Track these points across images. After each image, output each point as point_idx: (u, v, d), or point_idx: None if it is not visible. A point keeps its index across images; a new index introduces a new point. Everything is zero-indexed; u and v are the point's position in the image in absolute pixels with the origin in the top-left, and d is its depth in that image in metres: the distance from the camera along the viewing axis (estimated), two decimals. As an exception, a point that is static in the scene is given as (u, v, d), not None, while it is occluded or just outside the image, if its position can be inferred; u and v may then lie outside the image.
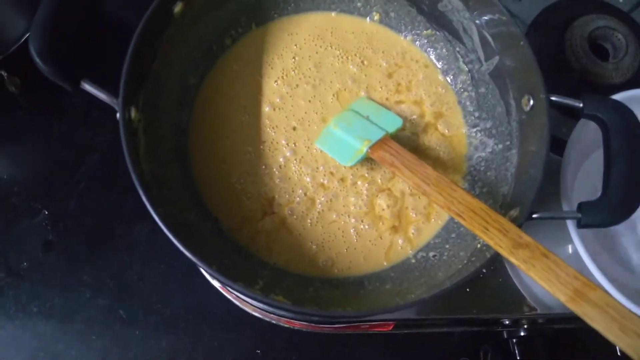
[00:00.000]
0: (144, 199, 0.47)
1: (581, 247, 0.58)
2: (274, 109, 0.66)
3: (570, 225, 0.59)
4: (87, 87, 0.50)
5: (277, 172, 0.64)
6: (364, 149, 0.60)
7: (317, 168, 0.64)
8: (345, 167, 0.64)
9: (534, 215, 0.52)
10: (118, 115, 0.50)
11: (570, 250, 0.62)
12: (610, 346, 0.72)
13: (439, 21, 0.68)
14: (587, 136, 0.62)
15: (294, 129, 0.65)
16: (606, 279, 0.58)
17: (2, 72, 0.77)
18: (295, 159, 0.64)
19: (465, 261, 0.56)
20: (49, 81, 0.78)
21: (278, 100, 0.66)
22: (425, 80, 0.69)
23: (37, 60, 0.48)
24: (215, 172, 0.63)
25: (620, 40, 0.79)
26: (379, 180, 0.64)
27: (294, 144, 0.65)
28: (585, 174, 0.72)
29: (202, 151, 0.64)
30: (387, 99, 0.68)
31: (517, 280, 0.70)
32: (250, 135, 0.65)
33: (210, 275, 0.47)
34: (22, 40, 0.75)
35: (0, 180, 0.78)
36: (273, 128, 0.65)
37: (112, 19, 0.86)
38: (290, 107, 0.66)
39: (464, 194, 0.53)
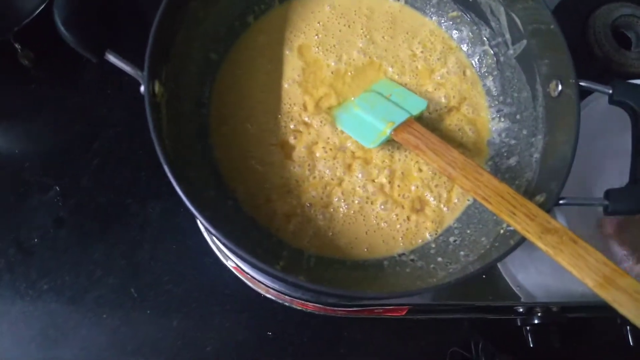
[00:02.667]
0: (168, 172, 0.46)
1: None
2: (295, 87, 0.65)
3: (560, 217, 0.60)
4: (112, 58, 0.49)
5: (297, 153, 0.63)
6: (387, 130, 0.59)
7: (339, 149, 0.63)
8: (367, 149, 0.63)
9: (561, 202, 0.52)
10: (142, 88, 0.49)
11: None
12: (623, 336, 0.74)
13: (466, 3, 0.67)
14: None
15: (316, 107, 0.64)
16: None
17: (16, 45, 0.76)
18: (317, 140, 0.63)
19: (488, 246, 0.56)
20: (62, 55, 0.79)
21: (299, 77, 0.65)
22: (450, 63, 0.68)
23: (62, 29, 0.47)
24: (235, 151, 0.62)
25: (643, 29, 0.78)
26: (400, 164, 0.63)
27: (316, 123, 0.64)
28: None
29: (222, 129, 0.62)
30: (410, 80, 0.67)
31: (503, 269, 0.70)
32: (270, 114, 0.64)
33: (233, 252, 0.47)
34: (36, 13, 0.74)
35: (11, 155, 0.78)
36: (294, 106, 0.64)
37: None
38: (312, 86, 0.65)
39: (491, 178, 0.52)
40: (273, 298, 0.72)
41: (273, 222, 0.60)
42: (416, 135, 0.57)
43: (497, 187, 0.51)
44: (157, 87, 0.51)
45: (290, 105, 0.64)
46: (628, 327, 0.73)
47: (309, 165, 0.62)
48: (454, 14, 0.69)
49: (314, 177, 0.62)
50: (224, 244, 0.47)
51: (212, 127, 0.62)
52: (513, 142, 0.64)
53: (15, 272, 0.72)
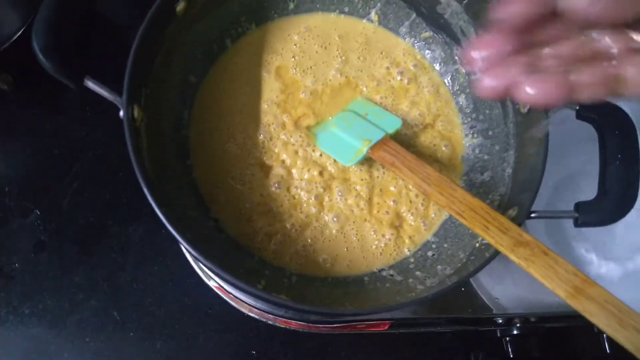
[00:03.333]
0: (149, 197, 0.47)
1: None
2: (274, 108, 0.66)
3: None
4: (91, 84, 0.50)
5: (276, 172, 0.64)
6: (364, 149, 0.60)
7: (317, 168, 0.64)
8: (345, 167, 0.64)
9: (533, 215, 0.53)
10: (121, 113, 0.50)
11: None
12: (600, 344, 0.75)
13: (438, 24, 0.68)
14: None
15: (295, 127, 0.65)
16: None
17: (-6, 69, 0.76)
18: (296, 160, 0.64)
19: (464, 260, 0.57)
20: (41, 79, 0.78)
21: (277, 98, 0.66)
22: (423, 82, 0.70)
23: (41, 56, 0.47)
24: (215, 171, 0.63)
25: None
26: (378, 181, 0.65)
27: (293, 143, 0.65)
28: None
29: (202, 150, 0.63)
30: (385, 99, 0.69)
31: (475, 283, 0.71)
32: (249, 134, 0.65)
33: (215, 273, 0.47)
34: (14, 38, 0.74)
35: (-9, 180, 0.77)
36: (272, 126, 0.65)
37: (110, 18, 0.85)
38: (290, 106, 0.66)
39: (465, 194, 0.53)
40: (256, 317, 0.72)
41: (254, 242, 0.61)
42: (392, 153, 0.59)
43: (471, 202, 0.53)
44: (136, 112, 0.52)
45: (268, 125, 0.65)
46: (605, 336, 0.75)
47: (288, 184, 0.63)
48: (426, 34, 0.70)
49: (294, 197, 0.63)
50: (204, 265, 0.48)
51: (191, 148, 0.63)
52: (486, 157, 0.66)
53: (-4, 298, 0.72)
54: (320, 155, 0.64)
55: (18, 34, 0.74)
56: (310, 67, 0.68)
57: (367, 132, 0.62)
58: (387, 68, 0.70)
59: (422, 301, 0.51)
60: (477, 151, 0.67)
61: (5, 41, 0.74)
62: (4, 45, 0.74)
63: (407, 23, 0.71)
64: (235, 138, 0.64)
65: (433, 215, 0.65)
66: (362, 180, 0.64)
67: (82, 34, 0.53)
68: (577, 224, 0.54)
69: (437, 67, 0.71)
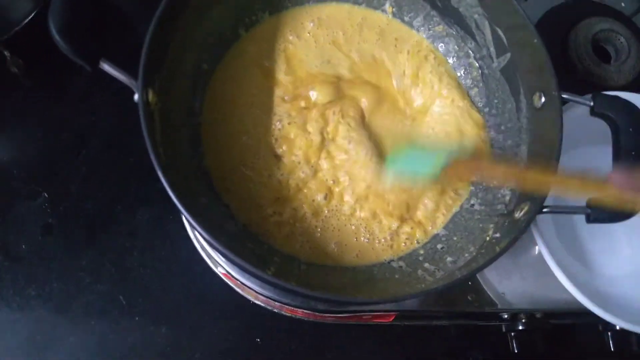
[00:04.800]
0: (162, 180, 0.47)
1: (544, 249, 0.61)
2: (284, 97, 0.66)
3: (534, 227, 0.62)
4: (106, 67, 0.50)
5: (286, 162, 0.64)
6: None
7: (328, 158, 0.64)
8: (357, 159, 0.64)
9: (545, 210, 0.53)
10: (136, 97, 0.50)
11: (536, 252, 0.65)
12: (604, 342, 0.76)
13: (452, 17, 0.68)
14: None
15: (305, 117, 0.65)
16: (567, 279, 0.61)
17: (5, 53, 0.76)
18: (307, 149, 0.64)
19: (474, 253, 0.58)
20: (51, 63, 0.79)
21: (289, 88, 0.66)
22: (436, 75, 0.70)
23: (57, 37, 0.47)
24: (226, 159, 0.63)
25: (622, 43, 0.80)
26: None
27: (306, 133, 0.65)
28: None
29: (213, 138, 0.63)
30: (397, 88, 0.68)
31: (481, 277, 0.72)
32: (261, 123, 0.65)
33: (226, 257, 0.47)
34: (26, 21, 0.74)
35: (0, 163, 0.77)
36: (283, 116, 0.65)
37: (125, 3, 0.85)
38: (301, 95, 0.66)
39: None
40: (262, 304, 0.72)
41: (264, 229, 0.61)
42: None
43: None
44: (150, 96, 0.52)
45: (280, 115, 0.65)
46: (609, 333, 0.75)
47: (298, 174, 0.63)
48: (440, 28, 0.70)
49: (304, 186, 0.63)
50: (216, 249, 0.48)
51: (203, 136, 0.63)
52: (499, 152, 0.66)
53: (3, 279, 0.72)
54: (332, 146, 0.64)
55: (29, 18, 0.74)
56: (323, 57, 0.68)
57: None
58: (401, 59, 0.70)
59: (431, 293, 0.51)
60: (489, 145, 0.67)
61: (16, 25, 0.74)
62: (14, 28, 0.74)
63: (421, 16, 0.71)
64: (247, 127, 0.64)
65: (443, 208, 0.64)
66: None
67: (97, 18, 0.53)
68: (589, 220, 0.54)
69: (450, 60, 0.71)
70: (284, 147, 0.64)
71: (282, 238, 0.61)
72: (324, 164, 0.64)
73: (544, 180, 0.54)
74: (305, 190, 0.63)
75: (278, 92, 0.66)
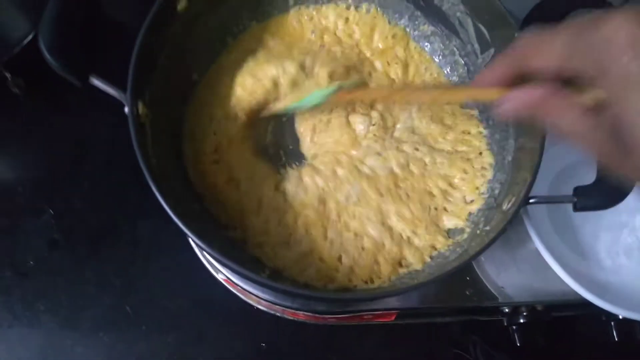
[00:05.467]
0: (154, 190, 0.48)
1: (538, 242, 0.63)
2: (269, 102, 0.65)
3: (526, 219, 0.63)
4: (96, 82, 0.51)
5: (277, 175, 0.64)
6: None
7: (322, 166, 0.64)
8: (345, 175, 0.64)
9: (532, 200, 0.54)
10: (126, 109, 0.51)
11: (534, 245, 0.65)
12: (608, 332, 0.75)
13: (436, 16, 0.69)
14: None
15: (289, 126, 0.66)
16: (564, 271, 0.61)
17: (6, 74, 0.78)
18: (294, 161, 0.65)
19: (465, 246, 0.58)
20: (51, 82, 0.80)
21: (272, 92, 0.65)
22: (423, 73, 0.71)
23: (47, 56, 0.49)
24: (208, 171, 0.63)
25: (611, 34, 0.80)
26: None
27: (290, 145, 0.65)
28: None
29: (196, 149, 0.64)
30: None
31: (480, 271, 0.72)
32: (243, 134, 0.65)
33: (221, 263, 0.48)
34: (25, 42, 0.76)
35: (5, 181, 0.79)
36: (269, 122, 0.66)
37: (114, 17, 0.87)
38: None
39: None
40: (265, 309, 0.73)
41: (249, 245, 0.61)
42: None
43: None
44: (140, 108, 0.53)
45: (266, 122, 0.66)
46: (612, 323, 0.75)
47: (284, 187, 0.63)
48: (424, 27, 0.71)
49: (293, 200, 0.63)
50: (210, 255, 0.49)
51: (185, 149, 0.64)
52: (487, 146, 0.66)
53: (12, 295, 0.73)
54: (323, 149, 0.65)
55: (29, 38, 0.76)
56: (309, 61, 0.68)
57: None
58: (387, 59, 0.70)
59: (427, 285, 0.51)
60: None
61: (16, 45, 0.76)
62: (14, 50, 0.76)
63: (406, 17, 0.72)
64: (229, 138, 0.64)
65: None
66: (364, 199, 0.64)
67: (87, 33, 0.55)
68: (576, 208, 0.54)
69: (436, 59, 0.72)
70: (271, 159, 0.64)
71: (272, 255, 0.60)
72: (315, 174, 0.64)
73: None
74: (293, 204, 0.62)
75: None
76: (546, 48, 0.40)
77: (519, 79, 0.43)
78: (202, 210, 0.61)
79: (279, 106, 0.64)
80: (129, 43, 0.54)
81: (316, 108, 0.64)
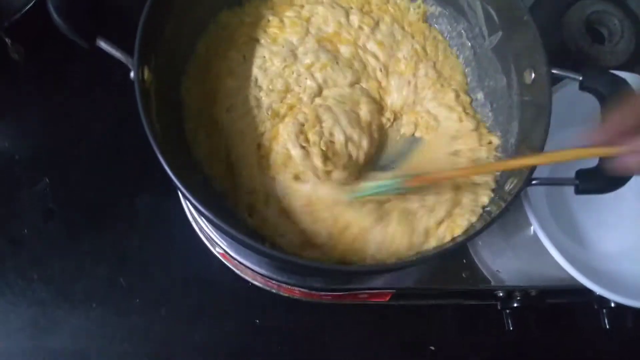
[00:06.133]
0: (159, 155, 0.47)
1: (537, 226, 0.62)
2: (265, 72, 0.65)
3: (527, 206, 0.63)
4: (103, 44, 0.50)
5: (274, 152, 0.62)
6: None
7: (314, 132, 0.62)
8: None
9: (534, 182, 0.54)
10: (132, 74, 0.51)
11: (531, 231, 0.65)
12: (599, 320, 0.76)
13: (445, -1, 0.70)
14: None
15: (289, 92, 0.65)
16: (561, 256, 0.61)
17: (6, 40, 0.77)
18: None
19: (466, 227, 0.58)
20: (52, 50, 0.80)
21: (273, 62, 0.65)
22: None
23: (55, 15, 0.48)
24: (207, 142, 0.63)
25: (616, 25, 0.81)
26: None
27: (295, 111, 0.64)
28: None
29: (196, 121, 0.63)
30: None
31: (475, 256, 0.73)
32: (242, 105, 0.63)
33: (222, 230, 0.48)
34: (26, 8, 0.75)
35: (2, 149, 0.78)
36: (266, 93, 0.64)
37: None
38: (284, 73, 0.65)
39: None
40: (260, 285, 0.73)
41: (253, 220, 0.60)
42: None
43: None
44: (146, 74, 0.53)
45: (264, 93, 0.64)
46: (604, 311, 0.76)
47: (287, 164, 0.61)
48: (432, 8, 0.71)
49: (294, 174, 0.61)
50: (212, 223, 0.48)
51: (187, 120, 0.63)
52: (491, 129, 0.67)
53: (5, 263, 0.73)
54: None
55: (30, 5, 0.75)
56: (315, 34, 0.68)
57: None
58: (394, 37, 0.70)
59: (426, 260, 0.52)
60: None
61: (17, 12, 0.75)
62: (15, 15, 0.75)
63: (415, -5, 0.72)
64: (228, 109, 0.63)
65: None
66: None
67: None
68: (578, 190, 0.54)
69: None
70: (269, 129, 0.62)
71: (273, 231, 0.59)
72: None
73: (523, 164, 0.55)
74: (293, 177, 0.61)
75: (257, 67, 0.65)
76: None
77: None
78: (203, 182, 0.61)
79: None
80: (137, 9, 0.53)
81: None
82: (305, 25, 0.67)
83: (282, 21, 0.67)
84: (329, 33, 0.68)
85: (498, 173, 0.61)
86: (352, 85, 0.66)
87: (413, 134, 0.68)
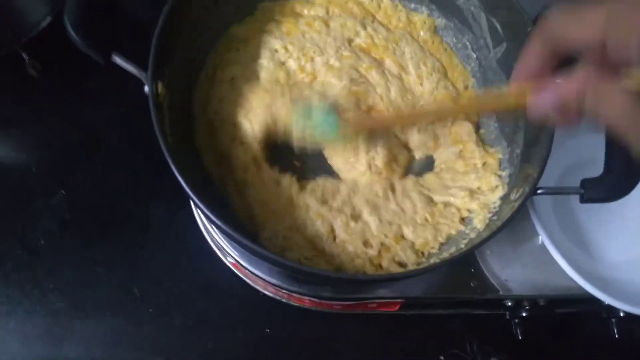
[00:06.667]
0: (174, 169, 0.49)
1: (545, 236, 0.63)
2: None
3: (534, 216, 0.63)
4: (118, 60, 0.52)
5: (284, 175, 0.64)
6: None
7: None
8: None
9: (539, 191, 0.55)
10: (146, 88, 0.52)
11: (538, 241, 0.66)
12: (609, 330, 0.76)
13: (450, 10, 0.70)
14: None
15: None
16: (569, 265, 0.62)
17: (24, 55, 0.79)
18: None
19: (473, 236, 0.59)
20: (68, 65, 0.82)
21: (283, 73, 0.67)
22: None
23: (72, 33, 0.50)
24: (219, 163, 0.64)
25: (620, 35, 0.81)
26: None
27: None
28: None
29: (208, 141, 0.65)
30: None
31: (483, 265, 0.73)
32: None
33: (238, 242, 0.49)
34: (43, 25, 0.77)
35: (19, 160, 0.80)
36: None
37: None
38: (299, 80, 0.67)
39: None
40: (271, 295, 0.74)
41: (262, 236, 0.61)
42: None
43: None
44: (160, 88, 0.54)
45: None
46: (613, 321, 0.76)
47: (294, 183, 0.63)
48: (438, 20, 0.72)
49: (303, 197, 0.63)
50: (222, 231, 0.49)
51: (199, 137, 0.64)
52: (497, 140, 0.67)
53: (22, 273, 0.74)
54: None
55: (47, 22, 0.77)
56: (323, 42, 0.69)
57: None
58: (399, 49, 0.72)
59: (435, 269, 0.52)
60: (488, 133, 0.69)
61: (34, 28, 0.77)
62: (33, 31, 0.77)
63: (421, 8, 0.73)
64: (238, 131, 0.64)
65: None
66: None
67: (109, 14, 0.56)
68: (583, 199, 0.55)
69: (448, 53, 0.73)
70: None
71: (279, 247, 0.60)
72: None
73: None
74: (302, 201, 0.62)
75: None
76: (587, 17, 0.35)
77: (554, 69, 0.40)
78: (214, 194, 0.62)
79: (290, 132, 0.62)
80: (152, 24, 0.55)
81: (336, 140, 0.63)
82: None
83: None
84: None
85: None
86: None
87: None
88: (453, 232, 0.62)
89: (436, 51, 0.72)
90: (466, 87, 0.72)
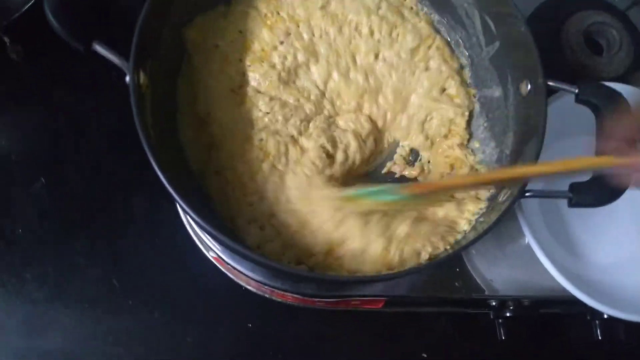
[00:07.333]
0: (152, 162, 0.48)
1: (530, 237, 0.62)
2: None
3: (521, 216, 0.63)
4: (99, 48, 0.51)
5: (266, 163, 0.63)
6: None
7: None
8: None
9: (527, 194, 0.54)
10: (127, 78, 0.51)
11: (525, 241, 0.66)
12: (591, 331, 0.76)
13: (443, 7, 0.70)
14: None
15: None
16: (554, 267, 0.62)
17: (5, 39, 0.77)
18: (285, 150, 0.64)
19: (459, 237, 0.58)
20: (51, 51, 0.80)
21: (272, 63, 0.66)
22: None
23: (52, 19, 0.48)
24: (204, 154, 0.63)
25: (614, 36, 0.81)
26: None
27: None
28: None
29: (192, 134, 0.64)
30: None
31: (469, 264, 0.73)
32: (238, 115, 0.64)
33: (211, 235, 0.48)
34: (25, 8, 0.75)
35: (-2, 148, 0.79)
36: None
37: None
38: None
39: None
40: (253, 290, 0.73)
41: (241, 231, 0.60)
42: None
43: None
44: (142, 78, 0.53)
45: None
46: (597, 322, 0.76)
47: (280, 172, 0.62)
48: (432, 17, 0.71)
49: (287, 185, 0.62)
50: (201, 227, 0.48)
51: (182, 131, 0.63)
52: (487, 139, 0.67)
53: (-1, 262, 0.73)
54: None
55: (29, 5, 0.75)
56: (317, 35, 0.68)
57: None
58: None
59: (421, 271, 0.52)
60: (478, 132, 0.68)
61: (16, 11, 0.75)
62: (14, 15, 0.75)
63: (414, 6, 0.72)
64: (223, 117, 0.63)
65: None
66: None
67: (91, 2, 0.55)
68: (571, 203, 0.55)
69: (440, 50, 0.72)
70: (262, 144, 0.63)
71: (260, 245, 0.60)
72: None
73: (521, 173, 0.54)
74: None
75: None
76: None
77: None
78: (196, 188, 0.61)
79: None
80: (133, 14, 0.53)
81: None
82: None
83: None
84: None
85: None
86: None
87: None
88: None
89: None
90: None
